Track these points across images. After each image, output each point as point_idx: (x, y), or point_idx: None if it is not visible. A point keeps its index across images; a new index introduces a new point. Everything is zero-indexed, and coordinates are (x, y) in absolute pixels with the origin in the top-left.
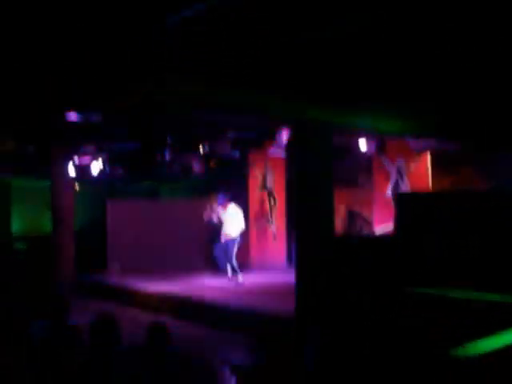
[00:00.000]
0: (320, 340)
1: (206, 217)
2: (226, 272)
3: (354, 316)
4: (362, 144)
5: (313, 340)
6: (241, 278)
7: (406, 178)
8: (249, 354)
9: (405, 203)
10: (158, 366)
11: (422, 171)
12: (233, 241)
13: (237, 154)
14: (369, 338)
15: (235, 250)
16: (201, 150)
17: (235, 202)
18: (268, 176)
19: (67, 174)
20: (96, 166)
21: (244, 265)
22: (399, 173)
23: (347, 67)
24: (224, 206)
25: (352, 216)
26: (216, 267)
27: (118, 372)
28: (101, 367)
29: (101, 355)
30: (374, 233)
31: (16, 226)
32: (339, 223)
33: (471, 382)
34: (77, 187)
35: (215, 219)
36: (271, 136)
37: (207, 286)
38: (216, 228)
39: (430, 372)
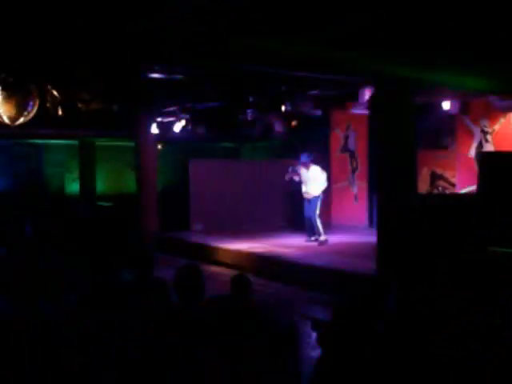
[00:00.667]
0: (399, 295)
1: (287, 177)
2: (309, 231)
3: (436, 274)
4: (446, 104)
5: (393, 295)
6: (324, 237)
7: (490, 139)
8: (329, 310)
9: (488, 162)
10: (241, 316)
11: (507, 131)
12: (316, 200)
13: (319, 113)
14: (449, 297)
15: (318, 209)
16: (282, 108)
17: (317, 164)
18: (350, 137)
19: (151, 134)
20: (179, 126)
21: (325, 226)
22: (483, 133)
23: (431, 22)
24: (306, 166)
25: (435, 177)
26: (300, 227)
27: (204, 320)
28: (187, 315)
29: (188, 303)
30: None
31: (100, 184)
32: (422, 185)
33: None
34: (160, 147)
35: (297, 179)
36: (354, 95)
37: (289, 244)
38: (298, 188)
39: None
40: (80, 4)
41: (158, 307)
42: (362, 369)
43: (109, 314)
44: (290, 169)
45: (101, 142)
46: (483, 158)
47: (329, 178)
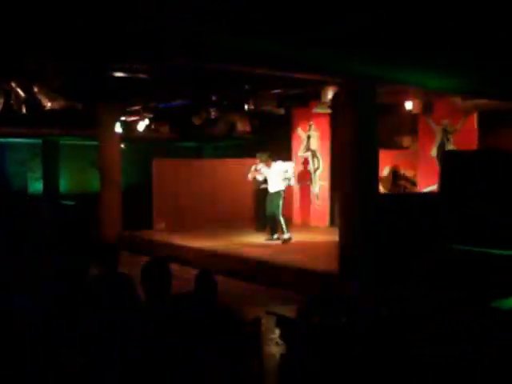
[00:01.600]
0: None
1: (250, 176)
2: (272, 230)
3: (397, 272)
4: (408, 104)
5: (354, 294)
6: (288, 235)
7: (452, 139)
8: (292, 308)
9: (450, 161)
10: (206, 312)
11: (469, 131)
12: (278, 197)
13: (282, 112)
14: (412, 293)
15: (281, 206)
16: (245, 107)
17: (279, 161)
18: (312, 136)
19: (114, 132)
20: (142, 125)
21: (287, 225)
22: (445, 133)
23: (393, 21)
24: (268, 164)
25: (397, 177)
26: (261, 225)
27: (170, 315)
28: (154, 310)
29: (155, 298)
30: None
31: (64, 183)
32: (384, 184)
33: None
34: (123, 146)
35: (260, 178)
36: (316, 94)
37: (252, 243)
38: (260, 187)
39: (472, 322)
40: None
41: (124, 302)
42: (327, 364)
43: (81, 309)
44: (253, 168)
45: (65, 141)
46: (445, 156)
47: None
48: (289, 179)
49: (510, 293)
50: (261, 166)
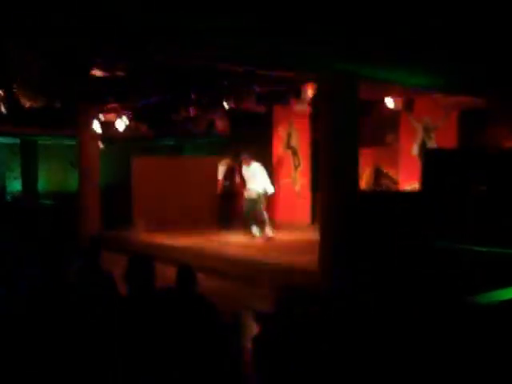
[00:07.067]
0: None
1: (221, 176)
2: (253, 228)
3: (379, 269)
4: (390, 101)
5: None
6: (271, 232)
7: (433, 136)
8: (273, 304)
9: (432, 159)
10: (186, 307)
11: (450, 129)
12: (258, 196)
13: (262, 110)
14: (394, 288)
15: (263, 205)
16: (225, 105)
17: (259, 161)
18: (293, 134)
19: (93, 131)
20: (121, 123)
21: (269, 223)
22: (426, 130)
23: (374, 19)
24: (247, 163)
25: (379, 175)
26: (239, 224)
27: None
28: (139, 305)
29: (138, 293)
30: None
31: (42, 182)
32: (365, 182)
33: (489, 327)
34: (102, 145)
35: (237, 179)
36: (297, 91)
37: (233, 241)
38: (233, 186)
39: (448, 317)
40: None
41: (105, 298)
42: (303, 358)
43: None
44: (221, 165)
45: (43, 141)
46: (427, 154)
47: (272, 175)
48: (265, 179)
49: (490, 288)
50: (236, 165)
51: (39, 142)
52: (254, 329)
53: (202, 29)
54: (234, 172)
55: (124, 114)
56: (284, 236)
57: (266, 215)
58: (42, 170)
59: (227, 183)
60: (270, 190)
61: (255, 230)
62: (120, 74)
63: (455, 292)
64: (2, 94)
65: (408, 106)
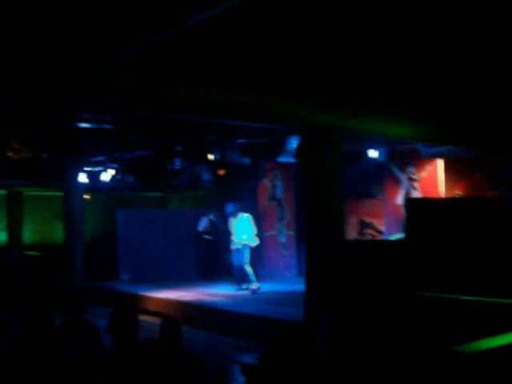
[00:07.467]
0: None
1: (201, 228)
2: (239, 280)
3: (365, 319)
4: (373, 152)
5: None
6: (256, 285)
7: (417, 186)
8: (259, 356)
9: (415, 208)
10: (171, 360)
11: (434, 178)
12: (245, 248)
13: (247, 162)
14: (379, 339)
15: (248, 257)
16: (210, 157)
17: (245, 212)
18: (278, 185)
19: (78, 183)
20: (107, 176)
21: (254, 275)
22: (410, 180)
23: (356, 71)
24: (234, 215)
25: (363, 226)
26: (226, 276)
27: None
28: (120, 359)
29: (122, 345)
30: None
31: (28, 234)
32: (351, 233)
33: (476, 376)
34: (88, 196)
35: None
36: (281, 143)
37: (216, 293)
38: (217, 238)
39: (435, 366)
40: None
41: (89, 350)
42: None
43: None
44: (204, 220)
45: (29, 192)
46: (409, 204)
47: (257, 228)
48: (252, 231)
49: (476, 337)
50: (213, 217)
51: (25, 193)
52: (239, 382)
53: (192, 91)
54: (217, 224)
55: (111, 167)
56: (270, 288)
57: (249, 267)
58: (28, 221)
59: (209, 236)
60: (254, 242)
61: (243, 281)
62: (107, 126)
63: (441, 341)
64: None
65: (391, 156)
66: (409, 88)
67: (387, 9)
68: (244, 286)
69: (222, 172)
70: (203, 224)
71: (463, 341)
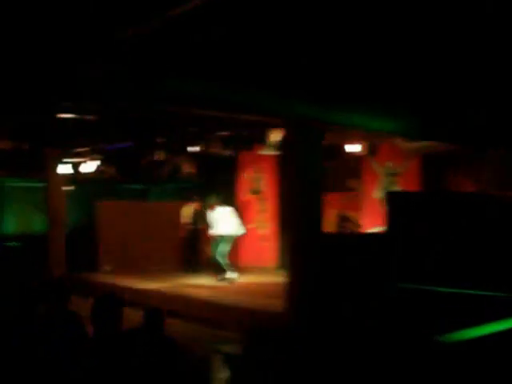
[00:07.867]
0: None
1: (183, 220)
2: (219, 271)
3: (345, 310)
4: (354, 146)
5: (302, 333)
6: (234, 275)
7: (396, 181)
8: (241, 346)
9: (395, 201)
10: (154, 348)
11: (412, 173)
12: (221, 239)
13: (228, 154)
14: (359, 330)
15: (227, 249)
16: (191, 149)
17: (225, 204)
18: (259, 178)
19: (60, 174)
20: (89, 167)
21: (235, 267)
22: (389, 175)
23: (339, 64)
24: (211, 208)
25: (342, 220)
26: (207, 267)
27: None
28: (103, 346)
29: (105, 333)
30: None
31: (8, 225)
32: (330, 227)
33: (456, 364)
34: (70, 187)
35: (203, 222)
36: (262, 136)
37: (197, 284)
38: (198, 230)
39: (416, 357)
40: None
41: (72, 338)
42: None
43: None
44: (186, 211)
45: (9, 183)
46: (389, 197)
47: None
48: (232, 224)
49: (455, 328)
50: (201, 208)
51: (6, 184)
52: (223, 371)
53: (176, 82)
54: (199, 216)
55: (92, 158)
56: (251, 279)
57: (224, 258)
58: (8, 212)
59: (192, 227)
60: (240, 232)
61: (225, 272)
62: (88, 117)
63: (420, 331)
64: None
65: (371, 150)
66: (391, 82)
67: (370, 4)
68: (220, 277)
69: (202, 164)
70: (185, 215)
71: (444, 331)
